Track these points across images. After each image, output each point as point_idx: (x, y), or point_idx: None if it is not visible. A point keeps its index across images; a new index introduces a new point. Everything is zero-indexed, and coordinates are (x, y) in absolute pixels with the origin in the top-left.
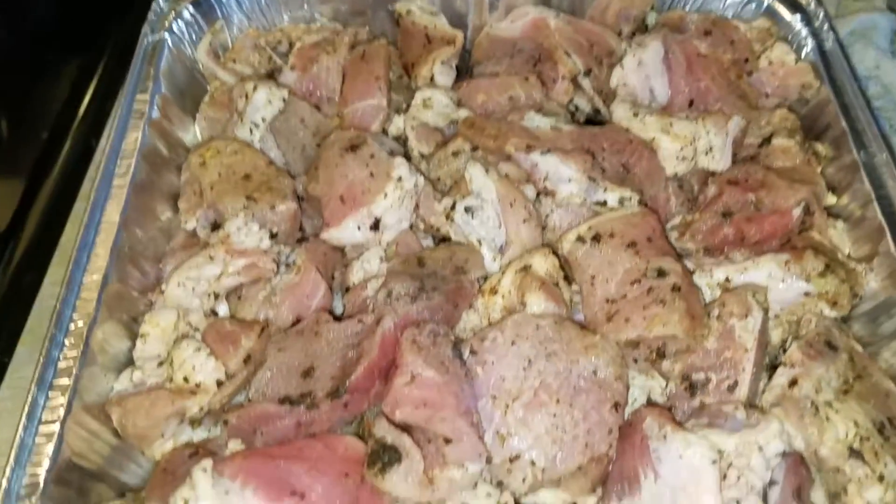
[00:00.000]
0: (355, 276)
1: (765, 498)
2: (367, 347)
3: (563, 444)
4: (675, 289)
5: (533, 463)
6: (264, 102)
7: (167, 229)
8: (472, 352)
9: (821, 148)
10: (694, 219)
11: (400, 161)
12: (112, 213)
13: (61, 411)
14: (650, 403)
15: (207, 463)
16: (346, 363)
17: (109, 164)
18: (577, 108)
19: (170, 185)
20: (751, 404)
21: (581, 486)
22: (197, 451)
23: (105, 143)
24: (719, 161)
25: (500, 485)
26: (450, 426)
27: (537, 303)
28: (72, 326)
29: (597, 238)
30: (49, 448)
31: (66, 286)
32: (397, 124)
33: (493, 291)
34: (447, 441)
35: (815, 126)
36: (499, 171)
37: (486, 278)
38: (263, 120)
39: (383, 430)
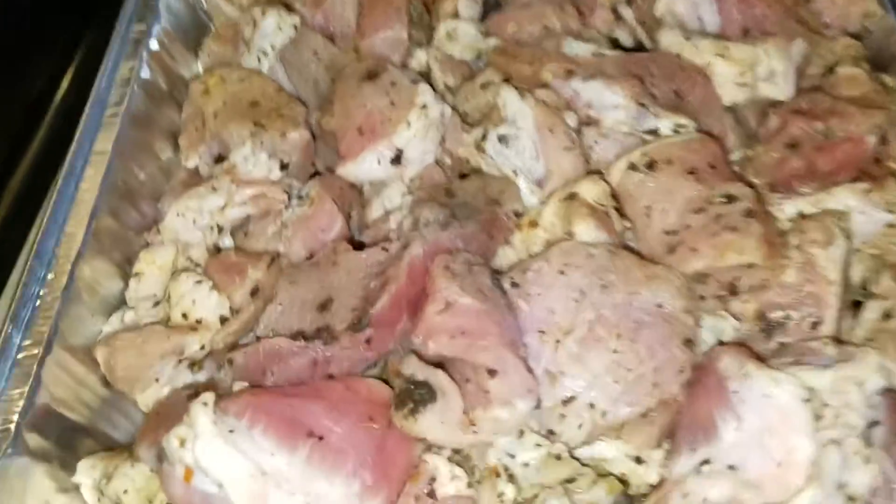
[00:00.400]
0: (375, 213)
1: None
2: (392, 274)
3: (626, 384)
4: (749, 213)
5: (591, 406)
6: (274, 29)
7: (167, 169)
8: (514, 284)
9: (889, 80)
10: (756, 153)
11: (424, 87)
12: (104, 143)
13: (39, 351)
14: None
15: (209, 396)
16: (368, 294)
17: (102, 92)
18: (617, 41)
19: (170, 123)
20: (839, 340)
21: (646, 437)
22: (196, 393)
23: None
24: (783, 88)
25: (550, 434)
26: (493, 356)
27: (587, 231)
28: (55, 260)
29: (651, 165)
30: (24, 392)
31: (49, 217)
32: (419, 59)
33: (533, 224)
34: (491, 373)
35: (879, 58)
36: (536, 96)
37: (521, 215)
38: (273, 48)
39: (413, 368)
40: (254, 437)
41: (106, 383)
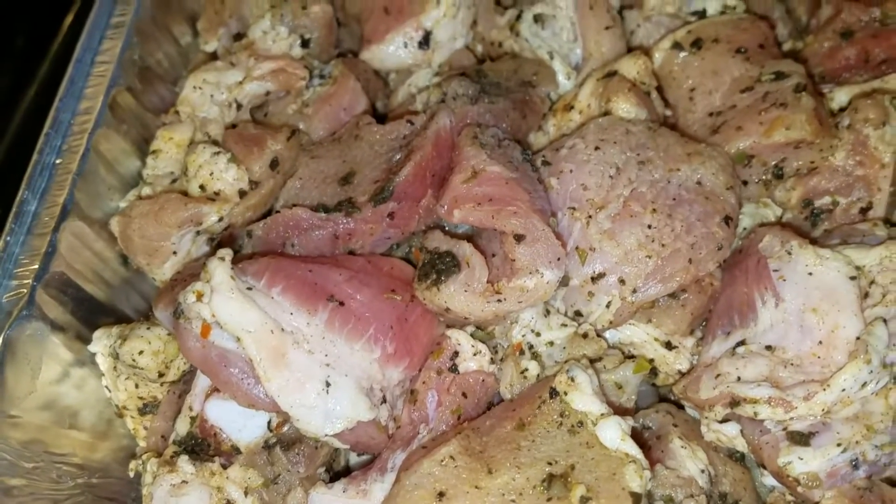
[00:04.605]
0: (401, 98)
1: None
2: (418, 144)
3: (660, 260)
4: (800, 88)
5: (622, 282)
6: None
7: (186, 54)
8: (545, 162)
9: None
10: (807, 42)
11: None
12: (121, 17)
13: (55, 218)
14: None
15: (226, 252)
16: (392, 167)
17: None
18: None
19: (190, 8)
20: (890, 223)
21: (677, 322)
22: (213, 251)
23: None
24: None
25: (577, 315)
26: (522, 221)
27: (626, 107)
28: (71, 130)
29: (697, 43)
30: (39, 256)
31: (65, 89)
32: None
33: (568, 107)
34: (518, 238)
35: None
36: None
37: (557, 100)
38: None
39: (437, 241)
40: (272, 297)
41: (125, 261)
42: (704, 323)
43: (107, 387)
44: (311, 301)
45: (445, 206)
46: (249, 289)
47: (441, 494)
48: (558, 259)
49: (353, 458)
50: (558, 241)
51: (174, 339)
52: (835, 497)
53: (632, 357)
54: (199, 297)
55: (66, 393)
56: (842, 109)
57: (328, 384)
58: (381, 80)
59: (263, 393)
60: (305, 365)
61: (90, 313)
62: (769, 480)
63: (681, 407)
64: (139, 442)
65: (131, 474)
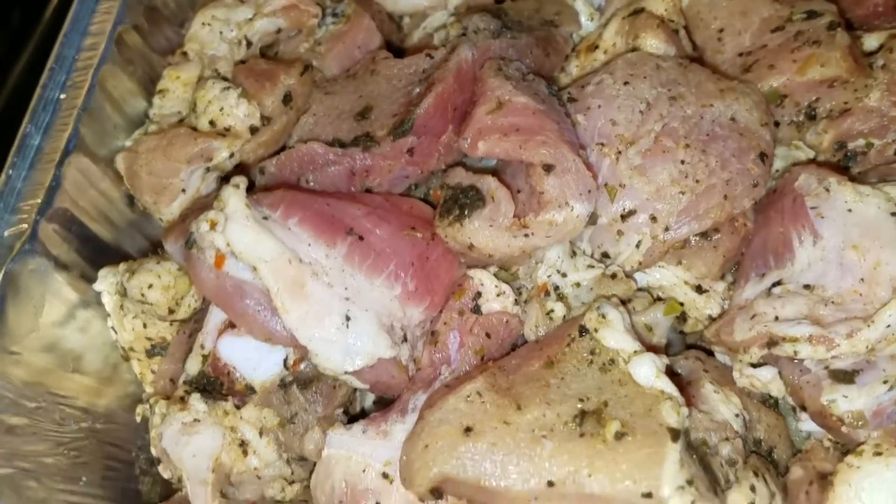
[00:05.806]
0: (416, 41)
1: None
2: (438, 76)
3: (694, 196)
4: (833, 26)
5: (653, 219)
6: None
7: None
8: (571, 99)
9: None
10: None
11: None
12: None
13: (59, 152)
14: None
15: (241, 179)
16: (411, 100)
17: None
18: None
19: None
20: None
21: (709, 264)
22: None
23: None
24: None
25: (605, 257)
26: (551, 151)
27: (655, 44)
28: (75, 66)
29: None
30: (42, 191)
31: (70, 25)
32: None
33: (593, 48)
34: (547, 169)
35: None
36: None
37: (580, 41)
38: None
39: (459, 177)
40: (289, 228)
41: (131, 202)
42: (736, 267)
43: (112, 327)
44: (330, 233)
45: (469, 139)
46: (265, 218)
47: (468, 429)
48: (589, 191)
49: (369, 403)
50: (588, 173)
51: (185, 275)
52: (882, 437)
53: (661, 300)
54: (213, 225)
55: (69, 335)
56: (872, 55)
57: (348, 318)
58: (395, 23)
59: (281, 325)
60: (325, 298)
61: (95, 253)
62: (805, 426)
63: (710, 354)
64: (146, 387)
65: (138, 419)
